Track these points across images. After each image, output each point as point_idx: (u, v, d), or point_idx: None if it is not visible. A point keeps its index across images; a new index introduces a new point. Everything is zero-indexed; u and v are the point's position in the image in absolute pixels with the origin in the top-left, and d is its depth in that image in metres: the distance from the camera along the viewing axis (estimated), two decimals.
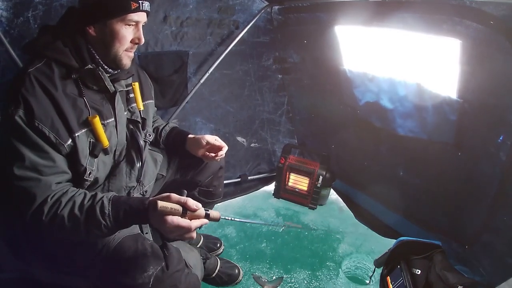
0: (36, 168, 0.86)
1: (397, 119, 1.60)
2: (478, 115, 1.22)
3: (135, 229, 1.08)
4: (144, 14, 0.99)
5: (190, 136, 1.36)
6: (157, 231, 1.11)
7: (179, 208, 0.83)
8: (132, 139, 1.13)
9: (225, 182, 1.89)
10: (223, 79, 2.03)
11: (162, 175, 1.37)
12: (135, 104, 1.15)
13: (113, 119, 1.03)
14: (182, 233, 0.84)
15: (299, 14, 1.84)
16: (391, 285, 1.34)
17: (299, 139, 2.47)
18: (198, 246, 1.70)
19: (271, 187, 2.33)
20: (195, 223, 0.85)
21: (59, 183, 0.91)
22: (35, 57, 0.93)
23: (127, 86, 1.13)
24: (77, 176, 0.96)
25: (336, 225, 2.06)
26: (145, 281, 0.91)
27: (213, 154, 1.31)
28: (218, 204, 1.74)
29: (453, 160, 1.38)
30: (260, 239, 1.91)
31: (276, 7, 1.93)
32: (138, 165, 1.14)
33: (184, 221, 0.83)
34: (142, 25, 1.00)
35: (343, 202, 2.19)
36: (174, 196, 0.84)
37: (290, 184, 2.17)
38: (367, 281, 1.65)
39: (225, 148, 1.32)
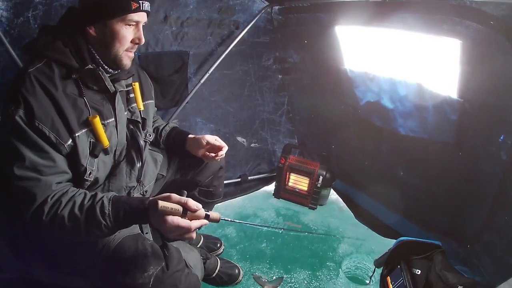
0: (36, 168, 0.86)
1: (398, 119, 1.60)
2: (478, 114, 1.22)
3: (135, 229, 1.08)
4: (145, 14, 0.99)
5: (190, 136, 1.36)
6: (157, 231, 1.11)
7: (179, 208, 0.83)
8: (132, 139, 1.13)
9: (225, 182, 1.89)
10: (223, 79, 2.03)
11: (162, 175, 1.37)
12: (135, 104, 1.15)
13: (113, 119, 1.03)
14: (182, 233, 0.84)
15: (299, 14, 1.84)
16: (391, 285, 1.34)
17: (299, 139, 2.47)
18: (198, 246, 1.70)
19: (271, 187, 2.33)
20: (195, 224, 0.85)
21: (59, 183, 0.91)
22: (35, 57, 0.93)
23: (127, 86, 1.13)
24: (77, 176, 0.96)
25: (336, 225, 2.06)
26: (145, 281, 0.91)
27: (213, 154, 1.31)
28: (218, 204, 1.74)
29: (454, 159, 1.38)
30: (260, 239, 1.91)
31: (276, 7, 1.93)
32: (138, 165, 1.14)
33: (184, 222, 0.83)
34: (143, 25, 1.00)
35: (343, 202, 2.19)
36: (175, 196, 0.85)
37: (290, 184, 2.17)
38: (367, 281, 1.64)
39: (225, 148, 1.32)
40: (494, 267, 1.21)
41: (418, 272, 1.27)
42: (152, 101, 1.28)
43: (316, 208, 2.15)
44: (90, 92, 0.98)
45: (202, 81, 1.86)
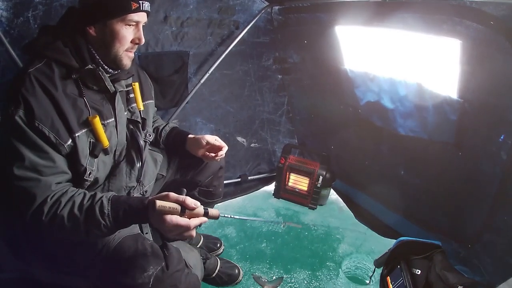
0: (36, 168, 0.86)
1: (398, 119, 1.60)
2: (478, 114, 1.22)
3: (135, 229, 1.08)
4: (144, 14, 0.99)
5: (190, 136, 1.36)
6: (157, 231, 1.11)
7: (177, 207, 0.83)
8: (132, 139, 1.13)
9: (225, 182, 1.90)
10: (223, 79, 2.03)
11: (162, 175, 1.37)
12: (135, 104, 1.15)
13: (113, 119, 1.03)
14: (181, 231, 0.84)
15: (299, 14, 1.84)
16: (391, 285, 1.34)
17: (299, 139, 2.47)
18: (198, 246, 1.70)
19: (271, 187, 2.33)
20: (194, 222, 0.85)
21: (59, 183, 0.91)
22: (35, 57, 0.93)
23: (127, 86, 1.13)
24: (77, 176, 0.96)
25: (336, 225, 2.06)
26: (145, 281, 0.91)
27: (213, 154, 1.31)
28: (218, 204, 1.74)
29: (454, 159, 1.38)
30: (260, 239, 1.91)
31: (276, 7, 1.93)
32: (138, 165, 1.14)
33: (183, 220, 0.83)
34: (143, 25, 1.00)
35: (343, 202, 2.19)
36: (173, 195, 0.84)
37: (290, 184, 2.17)
38: (367, 281, 1.64)
39: (225, 148, 1.32)
40: (494, 267, 1.21)
41: (418, 272, 1.27)
42: (152, 101, 1.28)
43: (316, 208, 2.15)
44: (90, 92, 0.98)
45: (202, 81, 1.86)
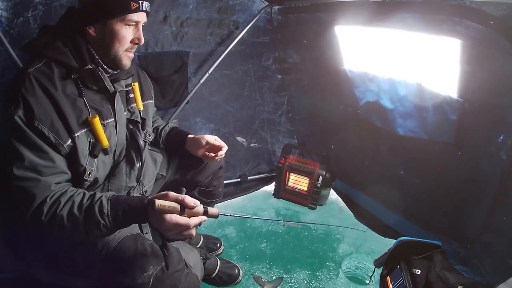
0: (35, 168, 0.86)
1: (398, 119, 1.60)
2: (478, 114, 1.22)
3: (135, 229, 1.08)
4: (144, 14, 0.99)
5: (190, 136, 1.36)
6: (156, 231, 1.11)
7: (177, 206, 0.83)
8: (132, 139, 1.13)
9: (225, 182, 1.89)
10: (223, 79, 2.03)
11: (162, 175, 1.37)
12: (134, 104, 1.15)
13: (112, 119, 1.03)
14: (181, 230, 0.84)
15: (299, 14, 1.84)
16: (391, 285, 1.34)
17: (299, 139, 2.47)
18: (198, 246, 1.70)
19: (271, 187, 2.33)
20: (193, 221, 0.85)
21: (58, 183, 0.91)
22: (35, 57, 0.93)
23: (126, 86, 1.13)
24: (77, 176, 0.96)
25: (336, 225, 2.06)
26: (145, 281, 0.91)
27: (213, 154, 1.31)
28: (218, 204, 1.74)
29: (454, 159, 1.38)
30: (260, 239, 1.91)
31: (276, 7, 1.93)
32: (138, 165, 1.14)
33: (182, 219, 0.83)
34: (142, 25, 1.00)
35: (343, 202, 2.19)
36: (172, 194, 0.84)
37: (290, 184, 2.17)
38: (367, 281, 1.64)
39: (225, 148, 1.32)
40: (493, 267, 1.21)
41: (418, 272, 1.27)
42: (151, 101, 1.28)
43: (316, 208, 2.15)
44: (89, 92, 0.98)
45: (202, 81, 1.86)
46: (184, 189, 0.88)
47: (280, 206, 2.22)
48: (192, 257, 1.26)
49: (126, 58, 1.01)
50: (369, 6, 1.43)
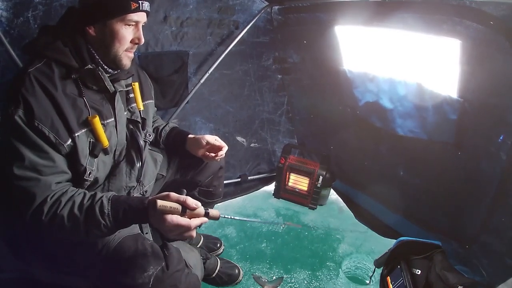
0: (35, 168, 0.86)
1: (397, 119, 1.60)
2: (478, 114, 1.22)
3: (135, 229, 1.08)
4: (144, 14, 0.99)
5: (190, 136, 1.36)
6: (157, 231, 1.11)
7: (178, 207, 0.83)
8: (132, 139, 1.13)
9: (225, 182, 1.89)
10: (223, 79, 2.03)
11: (162, 175, 1.37)
12: (135, 104, 1.15)
13: (113, 119, 1.03)
14: (181, 232, 0.84)
15: (299, 14, 1.84)
16: (391, 285, 1.34)
17: (299, 139, 2.47)
18: (198, 246, 1.70)
19: (271, 187, 2.33)
20: (194, 222, 0.85)
21: (58, 183, 0.91)
22: (35, 57, 0.93)
23: (127, 86, 1.13)
24: (77, 176, 0.96)
25: (336, 225, 2.06)
26: (145, 281, 0.91)
27: (213, 154, 1.31)
28: (218, 204, 1.74)
29: (453, 160, 1.38)
30: (260, 239, 1.91)
31: (276, 7, 1.93)
32: (138, 165, 1.14)
33: (183, 220, 0.83)
34: (142, 25, 1.00)
35: (343, 202, 2.19)
36: (173, 195, 0.84)
37: (290, 184, 2.17)
38: (367, 281, 1.64)
39: (225, 148, 1.32)
40: (493, 267, 1.21)
41: (418, 272, 1.27)
42: (152, 101, 1.28)
43: (316, 208, 2.15)
44: (89, 92, 0.98)
45: (202, 81, 1.86)
46: (185, 190, 0.88)
47: (280, 206, 2.22)
48: (192, 257, 1.26)
49: (126, 58, 1.01)
50: (369, 6, 1.43)
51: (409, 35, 1.33)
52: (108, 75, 1.01)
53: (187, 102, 1.91)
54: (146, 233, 1.16)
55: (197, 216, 0.87)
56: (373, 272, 1.53)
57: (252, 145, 2.33)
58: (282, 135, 2.43)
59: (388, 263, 1.40)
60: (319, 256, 1.81)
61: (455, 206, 1.43)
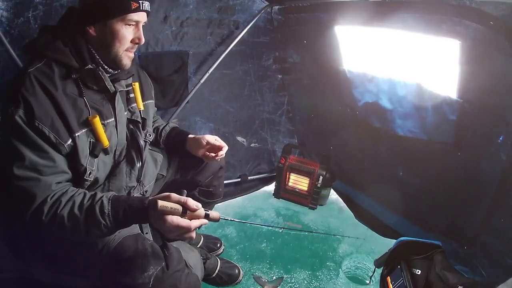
0: (36, 168, 0.86)
1: (397, 120, 1.60)
2: (478, 115, 1.22)
3: (135, 229, 1.08)
4: (144, 14, 0.99)
5: (190, 136, 1.36)
6: (157, 231, 1.11)
7: (179, 207, 0.83)
8: (132, 139, 1.13)
9: (225, 182, 1.89)
10: (223, 79, 2.03)
11: (162, 175, 1.37)
12: (135, 104, 1.15)
13: (113, 119, 1.03)
14: (181, 232, 0.84)
15: (299, 14, 1.84)
16: (391, 285, 1.34)
17: (299, 139, 2.47)
18: (198, 246, 1.70)
19: (271, 187, 2.33)
20: (194, 223, 0.85)
21: (59, 183, 0.91)
22: (35, 57, 0.93)
23: (127, 86, 1.13)
24: (77, 176, 0.96)
25: (336, 225, 2.06)
26: (145, 281, 0.91)
27: (213, 154, 1.31)
28: (218, 204, 1.74)
29: (453, 160, 1.38)
30: (260, 239, 1.91)
31: (276, 7, 1.93)
32: (138, 165, 1.14)
33: (184, 221, 0.83)
34: (142, 25, 1.00)
35: (343, 202, 2.19)
36: (174, 195, 0.84)
37: (290, 184, 2.17)
38: (367, 281, 1.64)
39: (225, 148, 1.32)
40: (493, 267, 1.21)
41: (418, 272, 1.27)
42: (152, 101, 1.28)
43: (316, 208, 2.15)
44: (90, 92, 0.98)
45: (202, 81, 1.86)
46: (185, 191, 0.88)
47: (280, 206, 2.22)
48: (192, 257, 1.26)
49: (127, 58, 1.01)
50: (369, 6, 1.43)
51: (408, 35, 1.33)
52: (108, 75, 1.01)
53: (187, 102, 1.91)
54: (146, 233, 1.16)
55: (198, 217, 0.87)
56: (373, 272, 1.53)
57: (252, 145, 2.33)
58: (282, 135, 2.43)
59: (388, 263, 1.40)
60: (319, 256, 1.81)
61: (455, 206, 1.43)
